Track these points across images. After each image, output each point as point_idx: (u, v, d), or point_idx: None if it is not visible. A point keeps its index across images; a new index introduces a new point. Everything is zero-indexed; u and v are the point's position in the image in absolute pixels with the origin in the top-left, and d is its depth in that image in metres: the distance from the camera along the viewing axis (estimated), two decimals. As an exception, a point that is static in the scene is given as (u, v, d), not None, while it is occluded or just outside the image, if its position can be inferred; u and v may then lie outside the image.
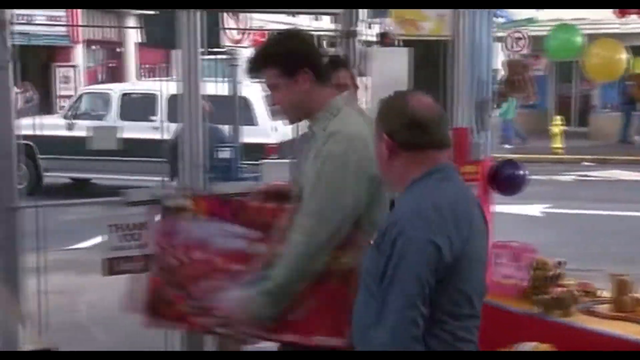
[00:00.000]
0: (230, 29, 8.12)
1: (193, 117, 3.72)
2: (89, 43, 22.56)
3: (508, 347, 3.75)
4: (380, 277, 1.93)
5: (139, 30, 22.26)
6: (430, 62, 4.48)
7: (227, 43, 8.13)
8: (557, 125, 17.21)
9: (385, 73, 4.01)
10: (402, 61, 4.02)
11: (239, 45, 8.31)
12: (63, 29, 18.60)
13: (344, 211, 2.34)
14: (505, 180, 4.44)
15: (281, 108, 2.56)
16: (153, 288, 2.45)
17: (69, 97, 14.79)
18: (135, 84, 15.23)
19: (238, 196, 3.50)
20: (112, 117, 11.21)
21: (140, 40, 21.64)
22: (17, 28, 3.36)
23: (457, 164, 4.21)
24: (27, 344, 2.59)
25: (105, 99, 11.82)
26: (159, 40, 7.54)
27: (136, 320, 2.69)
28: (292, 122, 2.62)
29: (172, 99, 11.65)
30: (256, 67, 2.56)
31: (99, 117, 11.39)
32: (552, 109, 20.00)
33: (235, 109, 8.29)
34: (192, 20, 3.63)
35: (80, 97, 12.35)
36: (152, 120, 10.58)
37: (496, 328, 4.03)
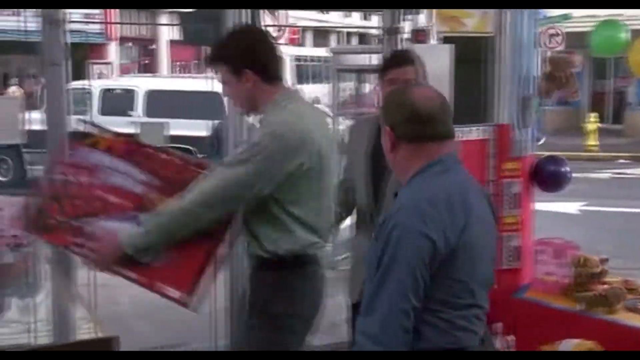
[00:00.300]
0: (269, 25, 8.16)
1: (238, 114, 3.78)
2: (123, 40, 22.84)
3: (550, 344, 3.76)
4: (376, 268, 1.96)
5: (171, 27, 22.46)
6: (471, 58, 4.48)
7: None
8: (591, 123, 17.02)
9: (428, 69, 4.01)
10: (445, 58, 4.02)
11: (276, 42, 8.34)
12: (98, 26, 18.85)
13: (258, 178, 2.48)
14: (548, 177, 4.43)
15: (231, 101, 2.80)
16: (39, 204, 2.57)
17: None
18: (116, 80, 15.50)
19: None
20: (93, 113, 11.40)
21: (173, 38, 21.86)
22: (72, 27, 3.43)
23: (498, 160, 4.27)
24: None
25: (86, 94, 12.02)
26: (196, 38, 7.55)
27: (180, 315, 2.71)
28: (244, 113, 2.87)
29: (151, 94, 12.04)
30: (210, 62, 2.72)
31: (81, 113, 11.59)
32: (586, 106, 19.78)
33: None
34: (238, 19, 3.69)
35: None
36: (130, 115, 10.84)
37: (538, 325, 4.04)
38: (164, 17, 23.52)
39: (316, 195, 2.61)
